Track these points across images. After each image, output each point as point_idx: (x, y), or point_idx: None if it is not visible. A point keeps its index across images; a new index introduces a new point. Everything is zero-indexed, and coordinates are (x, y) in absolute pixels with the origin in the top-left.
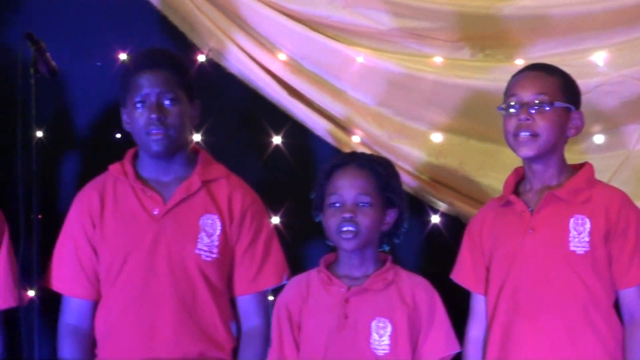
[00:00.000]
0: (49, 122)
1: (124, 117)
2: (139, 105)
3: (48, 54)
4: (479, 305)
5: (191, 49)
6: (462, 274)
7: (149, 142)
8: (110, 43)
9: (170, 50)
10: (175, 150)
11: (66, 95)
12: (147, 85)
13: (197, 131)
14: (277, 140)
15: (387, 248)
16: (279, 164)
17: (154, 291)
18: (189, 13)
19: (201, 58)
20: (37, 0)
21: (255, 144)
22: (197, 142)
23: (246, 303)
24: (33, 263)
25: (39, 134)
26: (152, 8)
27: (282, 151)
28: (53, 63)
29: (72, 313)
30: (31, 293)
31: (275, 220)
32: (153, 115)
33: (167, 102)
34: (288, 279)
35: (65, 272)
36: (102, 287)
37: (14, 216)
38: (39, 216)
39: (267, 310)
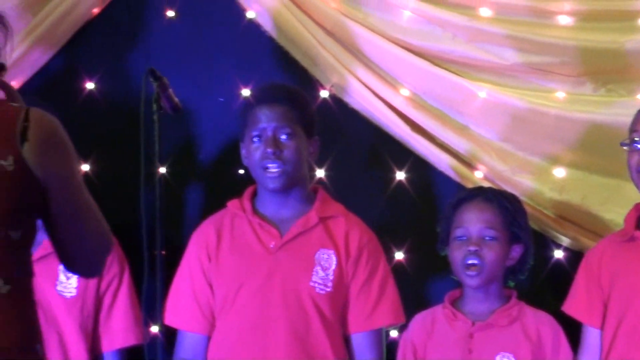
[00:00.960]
0: (172, 158)
1: (243, 152)
2: (255, 139)
3: (171, 90)
4: (592, 339)
5: (313, 84)
6: (576, 305)
7: (265, 178)
8: (232, 79)
9: (290, 86)
10: (291, 185)
11: (189, 131)
12: (265, 119)
13: (320, 167)
14: (400, 175)
15: (512, 284)
16: (402, 199)
17: (268, 323)
18: (311, 48)
19: (324, 94)
20: (160, 37)
21: (378, 179)
22: (320, 178)
23: (360, 340)
24: (156, 299)
25: (162, 169)
26: (275, 43)
27: (405, 186)
28: (176, 99)
29: (186, 348)
30: (155, 329)
31: (399, 255)
32: (269, 150)
33: (283, 137)
34: (402, 319)
35: (181, 306)
36: (216, 320)
37: (137, 252)
38: (162, 252)
39: (381, 348)
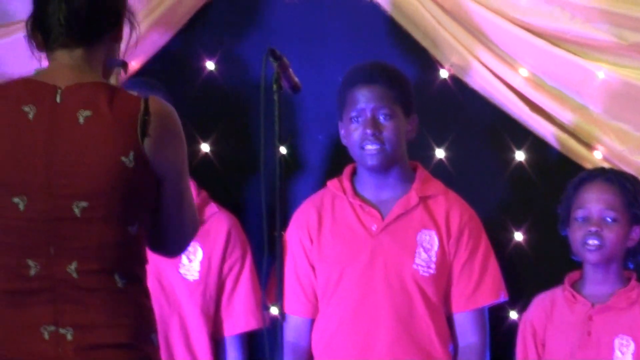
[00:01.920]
0: (292, 138)
1: (342, 132)
2: (354, 120)
3: (291, 70)
4: None
5: (433, 64)
6: None
7: (364, 156)
8: (350, 58)
9: (388, 65)
10: (390, 164)
11: (307, 110)
12: (363, 100)
13: (439, 147)
14: (519, 156)
15: (631, 266)
16: (521, 179)
17: (371, 306)
18: (431, 29)
19: (443, 74)
20: (279, 16)
21: (498, 160)
22: (440, 158)
23: (463, 320)
24: (277, 282)
25: (283, 150)
26: (394, 23)
27: (524, 167)
28: (295, 79)
29: (291, 331)
30: (274, 312)
31: (518, 236)
32: (368, 131)
33: (382, 117)
34: (506, 296)
35: (285, 289)
36: (319, 303)
37: (258, 234)
38: (282, 233)
39: (484, 327)
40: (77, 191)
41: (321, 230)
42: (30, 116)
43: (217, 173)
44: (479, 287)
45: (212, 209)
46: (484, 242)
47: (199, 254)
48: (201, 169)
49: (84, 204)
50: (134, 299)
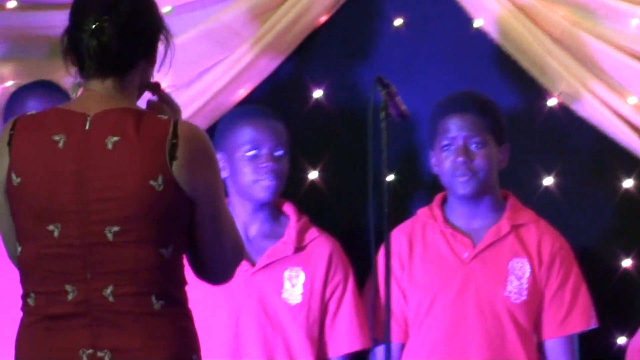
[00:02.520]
0: (399, 166)
1: (432, 160)
2: (445, 148)
3: (398, 98)
4: None
5: (540, 93)
6: None
7: (456, 185)
8: (455, 85)
9: (480, 94)
10: (482, 193)
11: (415, 138)
12: (455, 128)
13: (548, 175)
14: (627, 183)
15: None
16: (630, 206)
17: (462, 333)
18: (540, 57)
19: (551, 102)
20: (387, 45)
21: (606, 187)
22: (547, 186)
23: (554, 347)
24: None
25: (390, 177)
26: (501, 51)
27: (633, 194)
28: (403, 107)
29: (381, 356)
30: None
31: (627, 262)
32: (459, 159)
33: (473, 146)
34: (596, 323)
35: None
36: (409, 329)
37: (362, 259)
38: (377, 260)
39: (574, 354)
40: (108, 216)
41: (412, 257)
42: (60, 145)
43: (324, 200)
44: (570, 313)
45: (313, 233)
46: (575, 270)
47: (301, 278)
48: (309, 196)
49: (116, 228)
50: (171, 320)
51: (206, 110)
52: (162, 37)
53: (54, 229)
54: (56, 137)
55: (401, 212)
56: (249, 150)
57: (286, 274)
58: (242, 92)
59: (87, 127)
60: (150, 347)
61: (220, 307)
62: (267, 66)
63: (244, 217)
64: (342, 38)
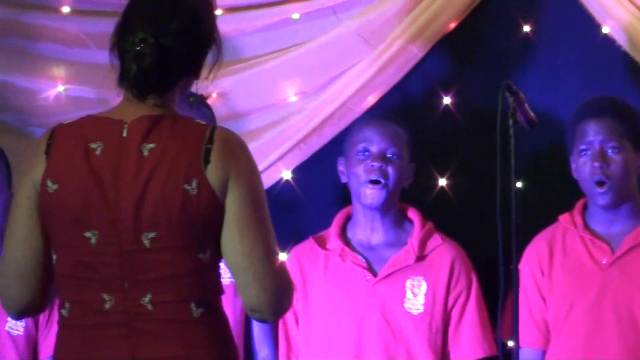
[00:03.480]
0: (528, 173)
1: (573, 166)
2: (583, 153)
3: (526, 105)
4: None
5: None
6: None
7: (594, 196)
8: (584, 92)
9: (617, 99)
10: (620, 200)
11: (543, 144)
12: (592, 133)
13: None
14: None
15: None
16: None
17: (601, 340)
18: None
19: None
20: (515, 51)
21: None
22: None
23: None
24: (513, 314)
25: (518, 184)
26: (629, 58)
27: None
28: (531, 114)
29: None
30: (510, 344)
31: None
32: (596, 164)
33: (610, 151)
34: None
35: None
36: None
37: (488, 266)
38: (518, 267)
39: None
40: (144, 222)
41: (552, 263)
42: (98, 152)
43: (453, 206)
44: None
45: (435, 241)
46: None
47: (423, 287)
48: (437, 203)
49: (152, 234)
50: (211, 329)
51: (335, 117)
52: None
53: (91, 236)
54: (93, 145)
55: (529, 219)
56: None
57: (408, 283)
58: (371, 100)
59: (124, 134)
60: (189, 356)
61: (342, 317)
62: (396, 73)
63: (364, 224)
64: (471, 44)
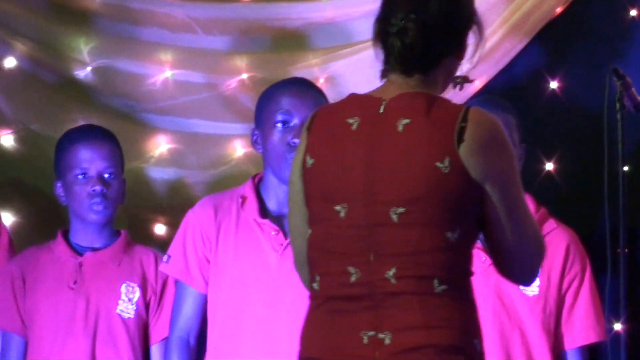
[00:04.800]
0: (635, 157)
1: None
2: None
3: (633, 89)
4: None
5: None
6: None
7: None
8: None
9: None
10: None
11: None
12: None
13: None
14: None
15: None
16: None
17: None
18: None
19: None
20: (622, 35)
21: None
22: None
23: None
24: (620, 297)
25: (626, 168)
26: None
27: None
28: (638, 98)
29: None
30: (617, 327)
31: None
32: None
33: None
34: None
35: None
36: None
37: (598, 250)
38: (625, 250)
39: None
40: (394, 197)
41: None
42: (354, 127)
43: (560, 191)
44: None
45: (550, 225)
46: None
47: None
48: (544, 187)
49: (401, 209)
50: (453, 304)
51: None
52: (472, 31)
53: (341, 210)
54: (350, 120)
55: (637, 203)
56: None
57: None
58: (478, 84)
59: (381, 110)
60: (431, 327)
61: None
62: (503, 57)
63: None
64: (577, 29)
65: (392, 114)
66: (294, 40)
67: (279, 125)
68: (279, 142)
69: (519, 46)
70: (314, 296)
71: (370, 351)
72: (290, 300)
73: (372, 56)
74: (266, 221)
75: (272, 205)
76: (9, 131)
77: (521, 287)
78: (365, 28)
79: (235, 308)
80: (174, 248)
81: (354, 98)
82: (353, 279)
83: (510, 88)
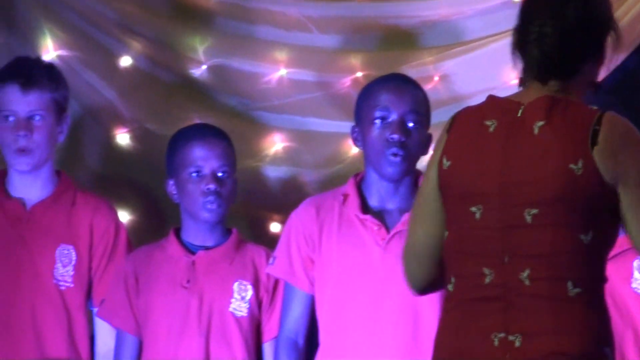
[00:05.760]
0: None
1: None
2: None
3: None
4: None
5: None
6: None
7: None
8: None
9: None
10: None
11: None
12: None
13: None
14: None
15: None
16: None
17: None
18: None
19: None
20: None
21: None
22: None
23: None
24: None
25: None
26: None
27: None
28: None
29: None
30: None
31: None
32: None
33: None
34: None
35: None
36: None
37: None
38: None
39: None
40: (528, 198)
41: None
42: (491, 129)
43: None
44: None
45: None
46: None
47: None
48: None
49: (534, 210)
50: (586, 309)
51: None
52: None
53: (476, 211)
54: (488, 122)
55: None
56: None
57: (636, 262)
58: None
59: (519, 114)
60: (561, 332)
61: None
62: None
63: None
64: None
65: (529, 117)
66: (407, 38)
67: (377, 121)
68: (378, 138)
69: (636, 42)
70: (448, 298)
71: (500, 353)
72: (395, 294)
73: (486, 54)
74: (368, 217)
75: (373, 201)
76: (125, 130)
77: (633, 286)
78: (479, 26)
79: (341, 305)
80: (279, 250)
81: (493, 101)
82: (487, 280)
83: (622, 83)
